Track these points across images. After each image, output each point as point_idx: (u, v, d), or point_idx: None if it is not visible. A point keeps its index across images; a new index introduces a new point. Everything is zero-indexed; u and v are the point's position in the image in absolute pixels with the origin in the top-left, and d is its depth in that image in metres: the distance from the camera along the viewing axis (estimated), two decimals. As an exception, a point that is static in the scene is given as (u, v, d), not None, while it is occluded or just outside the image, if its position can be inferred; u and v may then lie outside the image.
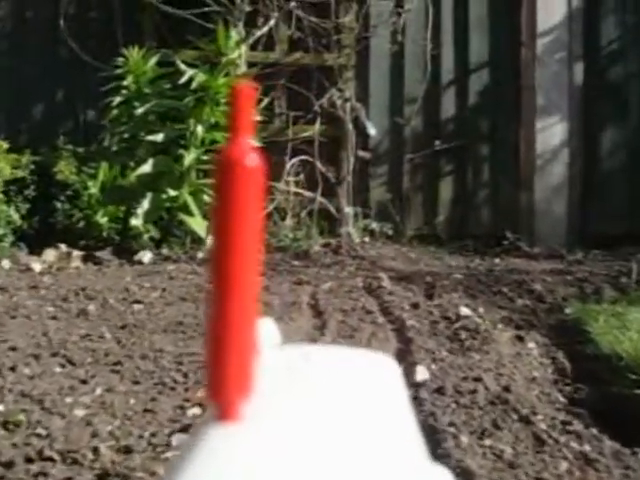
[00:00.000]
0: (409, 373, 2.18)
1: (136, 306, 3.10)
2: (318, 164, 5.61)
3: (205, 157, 4.84)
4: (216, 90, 4.61)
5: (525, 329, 3.29)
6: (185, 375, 2.25)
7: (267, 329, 0.52)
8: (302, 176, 5.58)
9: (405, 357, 2.46)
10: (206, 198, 4.88)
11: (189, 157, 4.42)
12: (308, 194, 5.59)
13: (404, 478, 0.39)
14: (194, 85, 4.52)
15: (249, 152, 0.41)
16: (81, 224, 5.29)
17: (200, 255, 4.76)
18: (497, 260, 5.46)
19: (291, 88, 5.85)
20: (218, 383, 0.39)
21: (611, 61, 6.15)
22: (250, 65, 5.52)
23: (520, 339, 2.94)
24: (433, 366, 2.32)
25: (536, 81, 6.05)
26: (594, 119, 6.09)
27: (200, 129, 4.56)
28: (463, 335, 2.75)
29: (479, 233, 5.99)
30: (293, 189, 5.52)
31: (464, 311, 3.20)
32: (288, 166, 5.55)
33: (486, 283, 4.37)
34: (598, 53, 6.15)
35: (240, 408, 0.39)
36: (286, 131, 5.74)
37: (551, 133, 6.03)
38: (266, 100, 5.71)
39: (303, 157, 5.57)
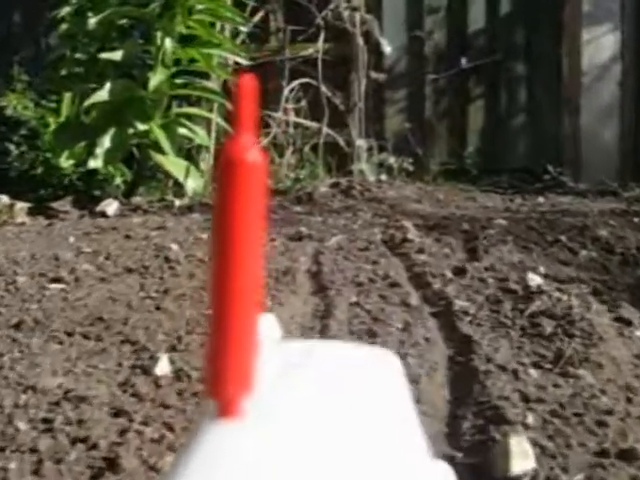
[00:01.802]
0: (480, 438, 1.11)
1: (53, 286, 2.02)
2: (323, 88, 4.47)
3: (179, 80, 3.70)
4: (189, -7, 3.46)
5: (611, 300, 2.19)
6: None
7: (268, 324, 0.48)
8: (304, 103, 4.43)
9: (463, 385, 1.37)
10: (182, 131, 3.77)
11: (155, 78, 3.30)
12: (312, 124, 4.45)
13: (406, 475, 0.37)
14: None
15: (251, 149, 0.36)
16: (40, 169, 4.20)
17: (177, 203, 3.66)
18: (540, 199, 4.36)
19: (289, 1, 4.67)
20: (218, 379, 0.36)
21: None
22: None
23: (623, 322, 1.84)
24: (520, 410, 1.23)
25: (581, -17, 4.83)
26: (651, 27, 4.88)
27: (169, 43, 3.42)
28: (549, 327, 1.65)
29: (515, 166, 4.87)
30: (293, 119, 4.38)
31: (533, 279, 2.10)
32: (286, 91, 4.41)
33: (538, 230, 3.28)
34: (655, -53, 4.91)
35: (240, 405, 0.36)
36: (283, 50, 4.58)
37: (600, 46, 4.85)
38: (259, 15, 4.56)
39: (304, 80, 4.40)
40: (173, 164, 3.64)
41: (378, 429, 0.40)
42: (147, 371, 1.37)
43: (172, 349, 1.49)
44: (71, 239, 2.81)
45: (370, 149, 4.67)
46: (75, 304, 1.83)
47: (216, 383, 0.37)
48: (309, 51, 4.51)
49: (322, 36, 4.54)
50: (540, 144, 4.90)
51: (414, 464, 0.38)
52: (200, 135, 3.93)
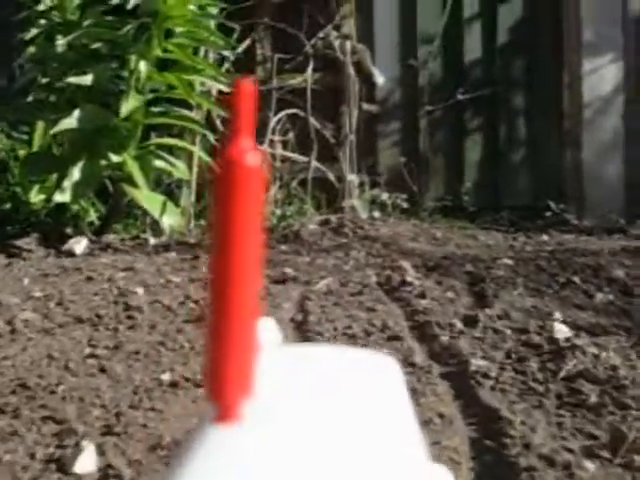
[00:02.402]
0: None
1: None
2: (312, 120, 4.13)
3: (157, 108, 3.36)
4: (166, 15, 3.12)
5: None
6: None
7: (268, 329, 0.46)
8: (291, 135, 4.09)
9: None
10: (159, 164, 3.41)
11: (127, 104, 2.95)
12: (300, 158, 4.11)
13: (405, 479, 0.36)
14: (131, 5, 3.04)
15: (250, 152, 0.35)
16: (8, 205, 3.84)
17: (152, 241, 3.29)
18: (545, 237, 4.01)
19: (276, 27, 4.35)
20: (218, 384, 0.35)
21: (674, -15, 4.62)
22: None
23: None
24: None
25: (582, 11, 4.54)
26: (655, 58, 4.58)
27: (144, 67, 3.08)
28: (592, 395, 1.28)
29: (515, 203, 4.53)
30: (280, 152, 4.04)
31: (560, 330, 1.74)
32: (273, 122, 4.07)
33: (548, 271, 2.94)
34: (658, -25, 4.63)
35: (240, 409, 0.36)
36: (270, 80, 4.25)
37: (601, 76, 4.54)
38: (245, 43, 4.24)
39: (292, 111, 4.07)
40: (148, 199, 3.28)
41: (377, 433, 0.39)
42: (64, 467, 0.99)
43: (106, 431, 1.12)
44: (25, 281, 2.43)
45: (362, 184, 4.33)
46: (0, 364, 1.45)
47: (215, 387, 0.35)
48: (297, 80, 4.18)
49: (311, 65, 4.22)
50: (541, 179, 4.57)
51: (413, 468, 0.37)
52: (179, 168, 3.58)
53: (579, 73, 4.55)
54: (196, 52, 3.76)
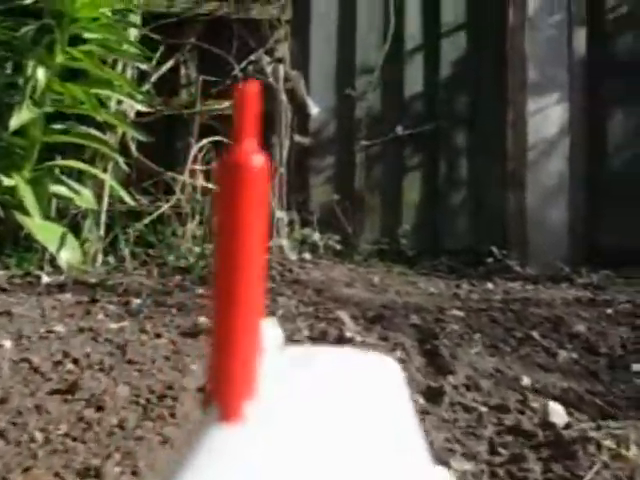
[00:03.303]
0: None
1: None
2: (239, 149, 3.64)
3: (59, 126, 2.85)
4: (72, 17, 2.63)
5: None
6: None
7: (271, 331, 0.45)
8: (215, 166, 3.60)
9: None
10: (59, 190, 2.89)
11: (18, 117, 2.43)
12: (224, 191, 3.61)
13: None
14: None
15: (254, 154, 0.35)
16: None
17: (45, 279, 2.76)
18: (489, 285, 3.60)
19: (203, 48, 3.89)
20: (221, 384, 0.35)
21: (621, 25, 4.35)
22: (146, 16, 3.56)
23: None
24: None
25: (527, 50, 4.23)
26: (601, 100, 4.29)
27: (42, 75, 2.57)
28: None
29: (456, 247, 4.13)
30: (201, 183, 3.55)
31: (554, 412, 1.29)
32: (194, 150, 3.58)
33: (503, 324, 2.54)
34: (604, 16, 4.36)
35: (243, 410, 0.35)
36: (194, 104, 3.78)
37: (546, 117, 4.23)
38: (169, 63, 3.77)
39: (216, 138, 3.59)
40: (43, 230, 2.75)
41: (379, 435, 0.38)
42: None
43: None
44: None
45: (291, 223, 3.87)
46: None
47: (218, 387, 0.35)
48: (224, 106, 3.71)
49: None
50: (483, 222, 4.20)
51: (414, 470, 0.37)
52: (84, 196, 3.05)
53: (523, 113, 4.23)
54: (114, 68, 3.28)
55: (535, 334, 2.40)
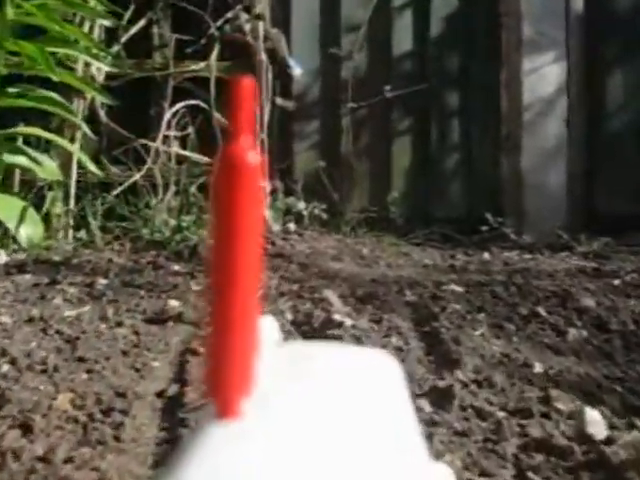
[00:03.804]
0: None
1: None
2: (216, 114, 3.36)
3: (14, 89, 2.57)
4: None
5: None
6: None
7: (268, 326, 0.46)
8: (191, 131, 3.32)
9: None
10: (18, 160, 2.62)
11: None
12: (200, 158, 3.34)
13: (407, 477, 0.36)
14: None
15: (249, 150, 0.34)
16: None
17: (3, 259, 2.50)
18: (486, 255, 3.36)
19: (177, 6, 3.58)
20: (218, 380, 0.35)
21: (621, -22, 4.08)
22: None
23: None
24: None
25: (521, 5, 3.95)
26: (599, 58, 4.03)
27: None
28: None
29: (448, 215, 3.88)
30: (176, 150, 3.26)
31: (592, 420, 1.04)
32: (168, 115, 3.29)
33: (506, 300, 2.28)
34: (603, -33, 4.08)
35: (240, 406, 0.35)
36: (167, 67, 3.49)
37: (543, 77, 3.96)
38: (140, 23, 3.47)
39: (192, 102, 3.30)
40: (-1, 204, 2.47)
41: (378, 431, 0.38)
42: None
43: None
44: None
45: (274, 192, 3.60)
46: None
47: (216, 384, 0.35)
48: (199, 67, 3.41)
49: (216, 50, 3.46)
50: (476, 189, 3.94)
51: (414, 466, 0.37)
52: (46, 167, 2.77)
53: (518, 72, 3.95)
54: (81, 27, 2.98)
55: (541, 310, 2.16)
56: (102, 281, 2.27)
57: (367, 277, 2.50)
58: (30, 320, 1.65)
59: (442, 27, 3.96)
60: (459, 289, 2.34)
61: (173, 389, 1.19)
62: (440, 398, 1.16)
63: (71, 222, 3.12)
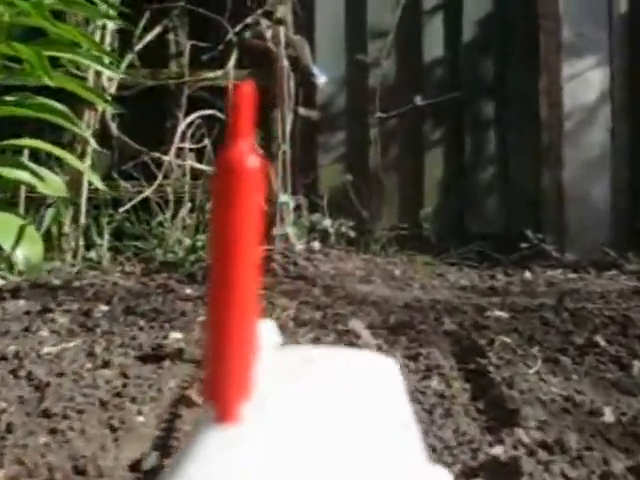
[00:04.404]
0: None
1: None
2: (235, 124, 3.09)
3: (12, 98, 2.33)
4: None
5: None
6: None
7: (267, 330, 0.45)
8: (207, 143, 3.05)
9: None
10: (19, 175, 2.36)
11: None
12: (218, 172, 3.06)
13: (404, 479, 0.35)
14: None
15: (249, 154, 0.35)
16: None
17: (-3, 283, 2.25)
18: (528, 274, 3.04)
19: (194, 12, 3.34)
20: (217, 384, 0.35)
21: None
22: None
23: None
24: None
25: (560, 7, 3.65)
26: (646, 61, 3.71)
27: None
28: None
29: (485, 232, 3.57)
30: (191, 163, 3.00)
31: None
32: (183, 126, 3.03)
33: (557, 327, 1.98)
34: (648, -34, 3.76)
35: (239, 410, 0.35)
36: (182, 75, 3.24)
37: (584, 82, 3.65)
38: (156, 30, 3.24)
39: (208, 112, 3.03)
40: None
41: (378, 434, 0.37)
42: None
43: None
44: None
45: (298, 208, 3.32)
46: None
47: (215, 388, 0.35)
48: (216, 74, 3.15)
49: (234, 57, 3.21)
50: (514, 203, 3.63)
51: (413, 468, 0.36)
52: (50, 183, 2.51)
53: (558, 78, 3.64)
54: (93, 34, 2.75)
55: (599, 339, 1.86)
56: (102, 308, 2.00)
57: (399, 301, 2.20)
58: (2, 358, 1.38)
59: (475, 31, 3.67)
60: (504, 315, 2.04)
61: (151, 460, 0.90)
62: (502, 474, 0.86)
63: (81, 242, 2.87)
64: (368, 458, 0.34)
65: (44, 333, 1.64)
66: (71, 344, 1.51)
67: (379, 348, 1.54)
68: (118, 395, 1.17)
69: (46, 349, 1.44)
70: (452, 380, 1.38)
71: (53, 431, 0.99)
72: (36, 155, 2.75)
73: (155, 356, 1.44)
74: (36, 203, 2.93)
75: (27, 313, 1.89)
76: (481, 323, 1.89)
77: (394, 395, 0.43)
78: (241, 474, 0.31)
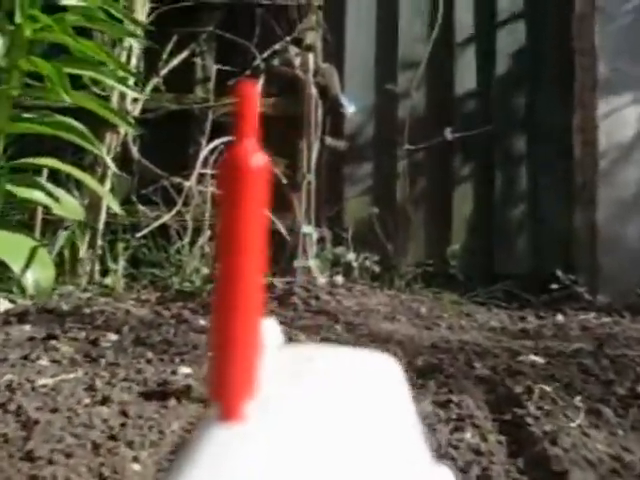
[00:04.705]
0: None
1: None
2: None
3: (30, 115, 2.25)
4: None
5: None
6: None
7: (270, 330, 0.44)
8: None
9: None
10: (32, 195, 2.27)
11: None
12: (240, 200, 2.95)
13: (408, 478, 0.35)
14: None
15: (254, 153, 0.35)
16: None
17: (3, 307, 2.13)
18: (560, 317, 2.88)
19: (222, 37, 3.26)
20: (221, 383, 0.34)
21: None
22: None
23: None
24: None
25: (596, 41, 3.53)
26: (685, 100, 3.57)
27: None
28: None
29: (514, 272, 3.41)
30: (212, 190, 2.88)
31: None
32: (205, 152, 2.92)
33: (596, 375, 1.82)
34: (688, 3, 3.63)
35: (243, 408, 0.35)
36: (208, 99, 3.14)
37: (621, 120, 3.51)
38: (183, 55, 3.16)
39: (232, 138, 2.92)
40: (3, 242, 2.10)
41: (380, 433, 0.37)
42: None
43: None
44: None
45: (321, 240, 3.19)
46: None
47: (219, 387, 0.34)
48: (242, 100, 3.05)
49: (261, 83, 3.11)
50: (545, 242, 3.48)
51: (416, 467, 0.36)
52: (66, 204, 2.41)
53: (593, 115, 3.51)
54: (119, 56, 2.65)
55: (642, 390, 1.70)
56: (111, 337, 1.88)
57: (426, 341, 2.05)
58: (8, 389, 1.26)
59: (508, 64, 3.55)
60: (539, 360, 1.88)
61: None
62: None
63: (97, 267, 2.76)
64: (371, 457, 0.34)
65: (44, 362, 1.51)
66: (71, 375, 1.38)
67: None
68: (113, 438, 1.03)
69: (42, 380, 1.31)
70: (487, 433, 1.23)
71: (33, 478, 0.86)
72: (56, 176, 2.66)
73: (160, 393, 1.30)
74: (53, 226, 2.83)
75: (31, 339, 1.77)
76: (515, 368, 1.74)
77: (396, 393, 0.42)
78: (245, 472, 0.31)
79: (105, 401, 1.22)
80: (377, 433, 0.37)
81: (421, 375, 1.60)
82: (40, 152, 2.56)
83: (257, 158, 0.34)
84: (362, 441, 0.35)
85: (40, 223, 2.83)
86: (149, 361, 1.58)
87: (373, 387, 0.42)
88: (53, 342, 1.72)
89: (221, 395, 0.34)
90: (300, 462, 0.32)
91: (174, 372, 1.46)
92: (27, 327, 1.95)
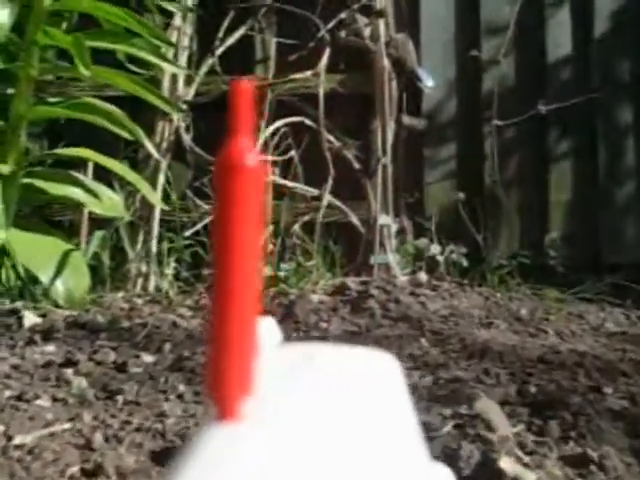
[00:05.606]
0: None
1: None
2: (326, 134, 2.60)
3: (53, 101, 1.91)
4: None
5: None
6: None
7: (268, 328, 0.42)
8: (294, 155, 2.56)
9: None
10: (65, 191, 1.95)
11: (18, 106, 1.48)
12: (306, 190, 2.57)
13: (407, 478, 0.33)
14: None
15: (249, 152, 0.32)
16: None
17: (30, 322, 1.80)
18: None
19: (284, 11, 2.88)
20: (219, 382, 0.32)
21: None
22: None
23: None
24: None
25: None
26: None
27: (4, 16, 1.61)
28: None
29: (624, 261, 2.91)
30: (275, 180, 2.50)
31: None
32: (266, 135, 2.54)
33: None
34: None
35: (241, 407, 0.32)
36: (266, 77, 2.77)
37: None
38: (240, 31, 2.80)
39: (295, 119, 2.54)
40: (26, 245, 1.78)
41: (378, 432, 0.35)
42: None
43: None
44: None
45: (401, 232, 2.78)
46: None
47: (216, 385, 0.32)
48: (305, 76, 2.66)
49: (325, 57, 2.71)
50: (659, 227, 2.96)
51: (415, 467, 0.34)
52: (107, 202, 2.08)
53: None
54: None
55: None
56: (146, 358, 1.52)
57: (532, 354, 1.62)
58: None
59: (609, 24, 3.04)
60: (687, 381, 1.42)
61: None
62: None
63: (144, 269, 2.42)
64: (370, 456, 0.32)
65: (43, 402, 1.16)
66: (66, 425, 1.02)
67: (522, 447, 0.97)
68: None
69: (20, 437, 0.95)
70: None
71: None
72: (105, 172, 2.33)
73: (179, 452, 0.92)
74: (98, 225, 2.52)
75: (45, 366, 1.42)
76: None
77: (395, 392, 0.39)
78: (243, 472, 0.28)
79: (96, 471, 0.85)
80: (376, 432, 0.34)
81: (537, 411, 1.17)
82: (87, 144, 2.24)
83: (252, 157, 0.30)
84: (361, 439, 0.33)
85: (87, 224, 2.52)
86: (180, 396, 1.21)
87: (372, 385, 0.39)
88: (69, 371, 1.36)
89: (218, 394, 0.31)
90: (299, 462, 0.29)
91: (205, 402, 1.08)
92: (51, 347, 1.61)
